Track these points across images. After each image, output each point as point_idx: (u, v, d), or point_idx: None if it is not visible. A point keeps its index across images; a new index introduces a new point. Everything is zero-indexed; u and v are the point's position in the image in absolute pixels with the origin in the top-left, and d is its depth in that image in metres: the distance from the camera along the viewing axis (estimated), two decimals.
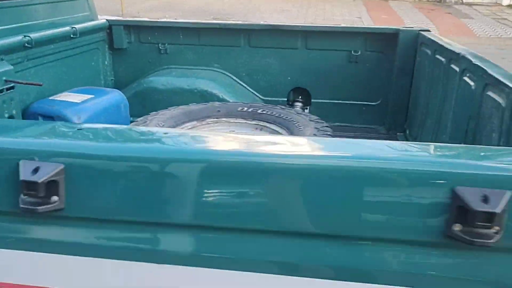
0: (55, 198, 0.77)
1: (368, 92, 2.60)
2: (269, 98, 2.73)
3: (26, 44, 2.04)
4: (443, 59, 1.98)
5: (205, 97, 2.54)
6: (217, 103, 2.32)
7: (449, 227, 0.70)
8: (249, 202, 0.77)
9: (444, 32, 7.86)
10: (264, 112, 2.15)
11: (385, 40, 2.55)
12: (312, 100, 2.71)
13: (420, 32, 2.44)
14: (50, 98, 2.17)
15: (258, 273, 0.77)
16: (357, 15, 10.51)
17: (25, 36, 2.03)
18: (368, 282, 0.74)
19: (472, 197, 0.69)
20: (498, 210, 0.68)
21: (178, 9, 11.63)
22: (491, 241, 0.69)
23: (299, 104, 2.72)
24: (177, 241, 0.79)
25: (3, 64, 1.92)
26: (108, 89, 2.42)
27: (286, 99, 2.73)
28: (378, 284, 0.75)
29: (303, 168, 0.75)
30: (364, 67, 2.62)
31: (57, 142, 0.83)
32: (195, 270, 0.78)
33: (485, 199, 0.69)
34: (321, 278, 0.76)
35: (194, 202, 0.77)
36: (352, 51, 2.61)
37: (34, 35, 2.07)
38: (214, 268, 0.78)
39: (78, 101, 2.14)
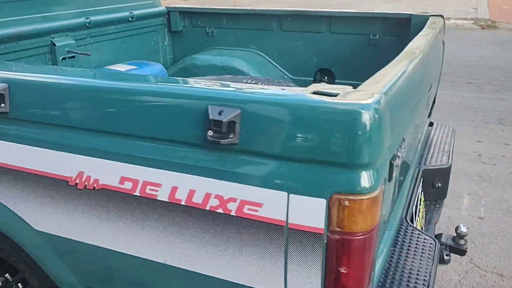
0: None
1: None
2: (297, 77, 3.06)
3: (87, 25, 2.67)
4: None
5: (233, 73, 2.96)
6: (228, 76, 2.72)
7: (206, 132, 1.05)
8: None
9: None
10: (258, 82, 2.51)
11: (400, 24, 2.71)
12: (336, 81, 2.97)
13: (431, 17, 2.56)
14: (105, 67, 2.79)
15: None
16: (473, 6, 9.94)
17: (86, 18, 2.66)
18: (163, 169, 1.13)
19: (215, 112, 1.03)
20: (225, 120, 1.01)
21: (283, 2, 12.11)
22: (225, 141, 1.03)
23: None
24: None
25: (67, 38, 2.57)
26: (153, 63, 2.96)
27: (312, 78, 3.03)
28: (166, 170, 1.13)
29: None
30: (383, 50, 2.81)
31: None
32: None
33: (220, 113, 1.02)
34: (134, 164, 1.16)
35: None
36: (371, 35, 2.82)
37: (93, 18, 2.69)
38: None
39: (123, 70, 2.72)
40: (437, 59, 2.04)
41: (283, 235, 1.06)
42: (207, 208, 1.11)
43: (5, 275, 1.74)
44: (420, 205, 2.08)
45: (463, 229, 2.02)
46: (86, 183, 1.25)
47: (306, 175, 1.01)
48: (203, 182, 1.10)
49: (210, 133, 1.04)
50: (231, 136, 1.03)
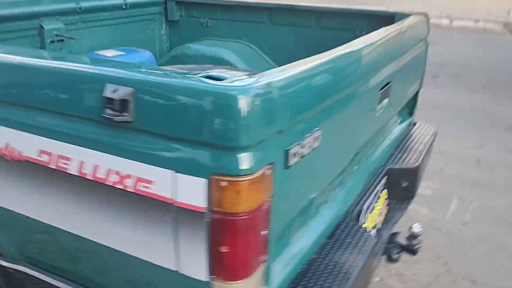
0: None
1: None
2: None
3: (78, 10, 2.77)
4: None
5: (221, 63, 3.00)
6: (207, 66, 2.77)
7: (104, 109, 1.11)
8: None
9: None
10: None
11: (384, 22, 2.68)
12: None
13: (412, 16, 2.53)
14: (96, 51, 2.88)
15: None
16: (507, 7, 9.61)
17: (77, 3, 2.76)
18: (72, 143, 1.19)
19: (109, 90, 1.08)
20: (117, 97, 1.06)
21: None
22: (119, 119, 1.08)
23: None
24: None
25: (56, 22, 2.68)
26: (142, 50, 3.03)
27: None
28: (74, 145, 1.19)
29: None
30: None
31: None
32: None
33: (114, 91, 1.07)
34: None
35: None
36: (357, 31, 2.80)
37: (84, 4, 2.79)
38: None
39: (110, 55, 2.80)
40: (398, 55, 2.02)
41: (171, 212, 1.10)
42: (109, 184, 1.17)
43: None
44: (376, 202, 2.07)
45: (416, 229, 2.01)
46: (12, 155, 1.33)
47: (189, 155, 1.05)
48: (105, 158, 1.16)
49: (106, 110, 1.10)
50: (125, 114, 1.08)
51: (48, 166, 1.26)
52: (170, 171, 1.07)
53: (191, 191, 1.06)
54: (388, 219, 2.18)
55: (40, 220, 1.38)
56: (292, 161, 1.18)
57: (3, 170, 1.38)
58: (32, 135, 1.27)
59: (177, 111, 1.04)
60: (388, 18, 2.65)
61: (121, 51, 2.90)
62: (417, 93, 2.67)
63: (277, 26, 3.09)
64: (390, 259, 1.98)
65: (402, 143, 2.52)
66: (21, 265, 1.54)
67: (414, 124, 2.79)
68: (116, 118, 1.08)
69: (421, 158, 2.37)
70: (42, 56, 1.31)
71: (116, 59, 2.79)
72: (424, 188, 3.51)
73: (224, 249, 1.08)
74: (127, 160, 1.13)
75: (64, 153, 1.23)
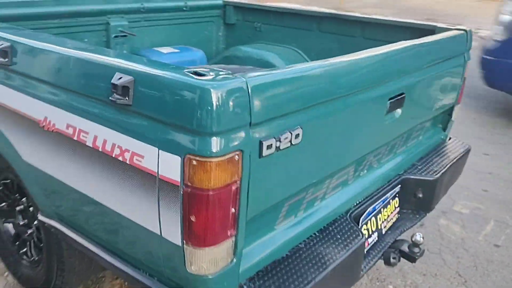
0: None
1: None
2: None
3: (142, 9, 3.10)
4: None
5: (266, 66, 3.19)
6: (247, 67, 2.96)
7: (111, 94, 1.34)
8: None
9: None
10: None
11: (424, 35, 2.72)
12: None
13: (453, 30, 2.56)
14: (154, 48, 3.20)
15: None
16: None
17: (141, 4, 3.09)
18: (89, 120, 1.45)
19: (116, 77, 1.32)
20: (119, 84, 1.29)
21: (393, 7, 11.79)
22: (120, 102, 1.31)
23: None
24: None
25: (121, 20, 3.03)
26: (196, 49, 3.30)
27: None
28: (91, 121, 1.44)
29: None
30: None
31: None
32: None
33: (119, 78, 1.31)
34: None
35: None
36: None
37: (147, 4, 3.12)
38: None
39: (165, 52, 3.11)
40: (417, 68, 2.08)
41: (156, 184, 1.31)
42: (113, 156, 1.41)
43: (16, 195, 2.23)
44: (384, 208, 2.16)
45: (417, 237, 2.07)
46: (49, 126, 1.62)
47: (171, 136, 1.26)
48: (111, 134, 1.40)
49: (113, 94, 1.33)
50: (126, 98, 1.31)
51: (73, 138, 1.53)
52: (156, 148, 1.29)
53: (170, 166, 1.26)
54: (397, 227, 2.25)
55: (65, 182, 1.66)
56: (266, 152, 1.34)
57: (43, 139, 1.67)
58: (62, 110, 1.55)
59: (164, 99, 1.25)
60: (428, 31, 2.69)
61: (176, 49, 3.20)
62: (451, 108, 2.68)
63: (324, 33, 3.22)
64: (388, 263, 2.05)
65: (428, 156, 2.55)
66: (54, 221, 1.84)
67: (448, 139, 2.80)
68: (119, 101, 1.32)
69: (441, 172, 2.40)
70: (73, 47, 1.58)
71: (170, 56, 3.10)
72: (462, 206, 3.47)
73: (193, 218, 1.27)
74: (127, 137, 1.36)
75: (84, 127, 1.49)
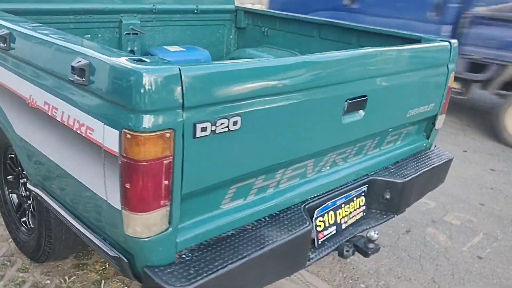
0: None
1: None
2: None
3: (154, 10, 3.36)
4: None
5: None
6: None
7: (73, 77, 1.56)
8: None
9: None
10: None
11: (411, 44, 2.81)
12: None
13: (436, 41, 2.64)
14: (163, 46, 3.45)
15: None
16: None
17: (153, 5, 3.35)
18: (59, 98, 1.67)
19: (76, 61, 1.54)
20: (76, 66, 1.51)
21: None
22: (77, 81, 1.53)
23: None
24: None
25: (134, 18, 3.30)
26: (201, 49, 3.53)
27: None
28: (60, 99, 1.67)
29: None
30: None
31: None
32: None
33: (78, 62, 1.52)
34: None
35: None
36: None
37: (159, 6, 3.37)
38: None
39: (172, 50, 3.34)
40: (383, 74, 2.19)
41: (102, 154, 1.52)
42: (74, 129, 1.63)
43: (19, 168, 2.50)
44: (346, 204, 2.27)
45: (372, 233, 2.17)
46: (32, 103, 1.87)
47: (112, 112, 1.46)
48: (72, 110, 1.62)
49: (73, 75, 1.56)
50: (83, 79, 1.53)
51: (47, 113, 1.77)
52: (102, 123, 1.49)
53: (111, 139, 1.46)
54: (359, 224, 2.35)
55: (43, 153, 1.90)
56: (201, 133, 1.51)
57: (29, 115, 1.92)
58: (41, 89, 1.79)
59: (109, 80, 1.46)
60: (415, 41, 2.78)
61: (183, 48, 3.43)
62: (434, 117, 2.74)
63: (324, 40, 3.36)
64: (341, 255, 2.16)
65: (404, 161, 2.64)
66: (38, 189, 2.09)
67: (432, 147, 2.86)
68: (76, 81, 1.54)
69: (412, 176, 2.48)
70: (49, 34, 1.82)
71: (176, 54, 3.33)
72: (454, 217, 3.50)
73: (128, 186, 1.46)
74: (83, 113, 1.58)
75: (55, 104, 1.72)
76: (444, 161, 2.74)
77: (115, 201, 1.53)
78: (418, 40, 2.75)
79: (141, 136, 1.40)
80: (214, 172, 1.66)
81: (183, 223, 1.66)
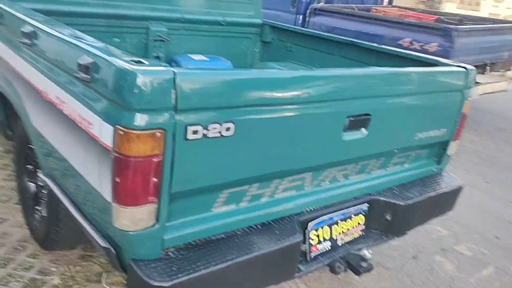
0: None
1: None
2: None
3: (181, 20, 3.49)
4: None
5: None
6: None
7: (79, 73, 1.66)
8: None
9: None
10: None
11: (427, 66, 2.80)
12: None
13: (451, 66, 2.63)
14: (188, 54, 3.56)
15: None
16: None
17: (181, 14, 3.48)
18: (67, 93, 1.78)
19: (82, 59, 1.63)
20: (82, 63, 1.60)
21: None
22: (82, 78, 1.62)
23: None
24: None
25: (161, 26, 3.43)
26: (224, 59, 3.62)
27: None
28: (68, 94, 1.77)
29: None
30: None
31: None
32: None
33: (83, 60, 1.62)
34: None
35: None
36: None
37: (187, 16, 3.50)
38: None
39: (196, 59, 3.45)
40: (389, 94, 2.20)
41: (99, 147, 1.61)
42: (77, 123, 1.73)
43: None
44: (344, 221, 2.27)
45: (365, 252, 2.17)
46: (46, 96, 1.99)
47: (109, 109, 1.54)
48: (77, 104, 1.73)
49: (78, 71, 1.66)
50: (87, 76, 1.63)
51: (57, 106, 1.88)
52: (99, 118, 1.58)
53: (107, 134, 1.55)
54: (357, 242, 2.35)
55: (52, 144, 2.02)
56: (192, 136, 1.58)
57: (43, 107, 2.05)
58: (53, 84, 1.91)
59: (108, 78, 1.55)
60: (431, 64, 2.77)
61: (206, 58, 3.53)
62: (446, 143, 2.71)
63: (344, 59, 3.39)
64: (333, 271, 2.16)
65: (411, 184, 2.61)
66: (48, 179, 2.20)
67: (442, 173, 2.82)
68: (81, 77, 1.64)
69: (416, 200, 2.46)
70: (61, 32, 1.95)
71: (199, 63, 3.44)
72: (465, 248, 3.42)
73: (118, 179, 1.54)
74: (85, 108, 1.67)
75: (63, 98, 1.83)
76: (452, 188, 2.70)
77: (107, 193, 1.61)
78: (434, 64, 2.74)
79: (132, 133, 1.48)
80: (205, 175, 1.71)
81: (171, 222, 1.72)
